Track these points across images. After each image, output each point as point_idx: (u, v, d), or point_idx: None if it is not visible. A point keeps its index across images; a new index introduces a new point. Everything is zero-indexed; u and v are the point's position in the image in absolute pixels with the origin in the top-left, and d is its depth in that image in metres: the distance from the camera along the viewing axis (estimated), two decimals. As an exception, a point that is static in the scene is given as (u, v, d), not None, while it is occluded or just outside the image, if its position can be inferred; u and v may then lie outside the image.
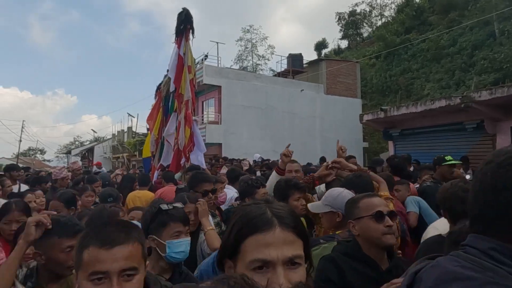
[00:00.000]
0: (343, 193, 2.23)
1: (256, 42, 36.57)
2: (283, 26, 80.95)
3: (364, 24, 37.29)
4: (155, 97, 7.18)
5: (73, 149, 46.52)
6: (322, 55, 36.79)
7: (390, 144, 10.80)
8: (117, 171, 8.44)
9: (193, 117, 5.82)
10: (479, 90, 7.67)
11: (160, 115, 6.54)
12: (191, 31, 5.64)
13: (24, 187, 4.93)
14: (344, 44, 39.18)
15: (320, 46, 39.69)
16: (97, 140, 41.35)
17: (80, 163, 9.33)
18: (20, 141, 38.38)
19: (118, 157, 26.89)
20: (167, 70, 6.13)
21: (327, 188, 2.94)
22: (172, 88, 5.87)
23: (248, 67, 35.84)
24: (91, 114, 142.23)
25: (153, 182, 5.42)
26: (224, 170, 6.60)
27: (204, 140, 16.26)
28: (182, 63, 5.68)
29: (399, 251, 2.15)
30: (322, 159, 9.03)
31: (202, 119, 18.53)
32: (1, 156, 40.82)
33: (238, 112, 17.67)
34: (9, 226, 2.33)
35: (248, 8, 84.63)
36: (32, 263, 1.68)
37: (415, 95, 22.29)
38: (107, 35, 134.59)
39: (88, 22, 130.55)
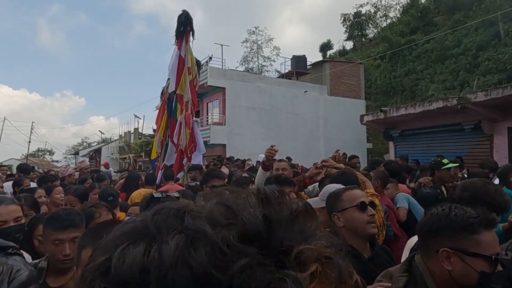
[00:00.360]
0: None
1: (261, 43, 36.85)
2: (288, 27, 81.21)
3: (370, 25, 37.30)
4: (161, 99, 7.35)
5: (81, 150, 47.20)
6: (327, 56, 36.87)
7: (391, 144, 10.94)
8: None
9: (194, 118, 5.90)
10: (475, 92, 7.79)
11: (165, 117, 6.71)
12: (191, 33, 5.69)
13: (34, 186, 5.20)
14: (349, 45, 39.23)
15: (325, 47, 39.71)
16: (105, 141, 41.83)
17: (87, 162, 9.64)
18: (30, 142, 38.97)
19: (125, 158, 27.27)
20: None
21: (320, 186, 3.13)
22: (171, 89, 5.91)
23: (254, 68, 36.09)
24: (99, 115, 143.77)
25: (157, 183, 5.59)
26: (225, 170, 6.81)
27: (208, 141, 16.65)
28: (183, 64, 5.72)
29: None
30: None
31: (207, 120, 18.80)
32: (11, 157, 41.36)
33: (242, 113, 17.89)
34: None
35: (254, 10, 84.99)
36: (41, 263, 1.75)
37: (419, 96, 22.27)
38: (114, 37, 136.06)
39: (95, 24, 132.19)
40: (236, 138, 17.38)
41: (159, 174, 6.10)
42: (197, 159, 5.97)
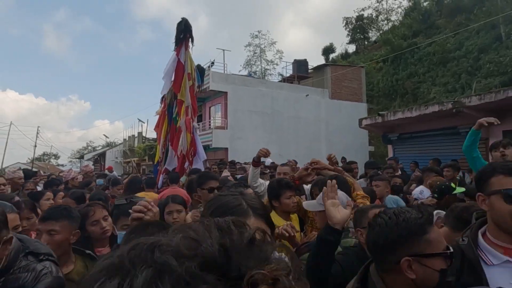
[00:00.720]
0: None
1: (264, 47, 37.03)
2: (291, 31, 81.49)
3: (372, 29, 37.37)
4: (161, 105, 7.52)
5: (86, 153, 47.55)
6: (330, 59, 36.90)
7: (389, 148, 11.06)
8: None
9: (193, 124, 6.01)
10: (469, 96, 7.89)
11: (166, 122, 6.87)
12: (190, 39, 5.82)
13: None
14: (351, 48, 39.23)
15: (327, 50, 39.73)
16: (109, 145, 42.13)
17: (92, 166, 9.90)
18: (35, 146, 39.20)
19: (129, 162, 27.53)
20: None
21: (313, 187, 3.14)
22: (163, 92, 6.04)
23: (257, 72, 36.29)
24: (104, 119, 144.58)
25: (158, 187, 5.73)
26: (226, 173, 6.95)
27: (210, 145, 16.82)
28: (183, 70, 5.82)
29: None
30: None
31: (209, 124, 19.03)
32: (17, 161, 41.57)
33: (244, 117, 18.08)
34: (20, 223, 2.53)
35: (257, 14, 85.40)
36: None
37: (421, 99, 22.30)
38: (119, 42, 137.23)
39: (100, 29, 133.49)
40: (238, 142, 17.55)
41: (161, 178, 6.27)
42: (198, 164, 6.07)
